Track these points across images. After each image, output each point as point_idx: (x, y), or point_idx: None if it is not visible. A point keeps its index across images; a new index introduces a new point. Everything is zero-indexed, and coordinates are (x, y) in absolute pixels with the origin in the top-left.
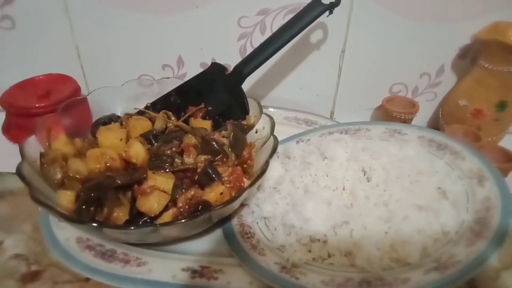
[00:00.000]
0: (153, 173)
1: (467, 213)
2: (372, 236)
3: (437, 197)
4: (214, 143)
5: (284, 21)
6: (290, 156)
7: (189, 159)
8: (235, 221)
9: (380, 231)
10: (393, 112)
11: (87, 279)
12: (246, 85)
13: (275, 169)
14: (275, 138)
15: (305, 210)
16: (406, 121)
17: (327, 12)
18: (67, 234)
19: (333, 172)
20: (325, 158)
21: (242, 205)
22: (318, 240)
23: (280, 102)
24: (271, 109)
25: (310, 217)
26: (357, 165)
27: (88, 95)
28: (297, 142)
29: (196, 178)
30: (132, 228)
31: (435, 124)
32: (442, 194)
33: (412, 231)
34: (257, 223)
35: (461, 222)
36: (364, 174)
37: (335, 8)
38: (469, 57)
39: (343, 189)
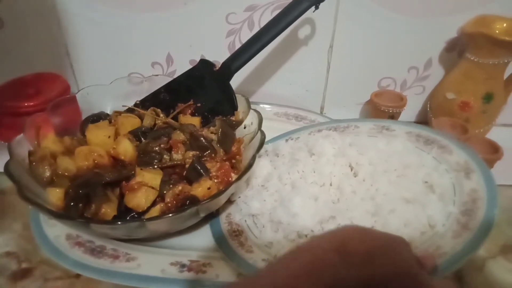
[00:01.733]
0: (141, 169)
1: (454, 205)
2: None
3: (424, 190)
4: (202, 139)
5: (272, 17)
6: (279, 154)
7: (177, 155)
8: (223, 220)
9: (367, 224)
10: (381, 106)
11: (78, 275)
12: (236, 82)
13: (263, 166)
14: (263, 133)
15: (292, 206)
16: (395, 115)
17: (313, 8)
18: (57, 231)
19: (320, 168)
20: (312, 154)
21: (230, 202)
22: (306, 235)
23: (270, 98)
24: (261, 105)
25: (297, 212)
26: (344, 160)
27: (77, 93)
28: (286, 140)
29: (184, 173)
30: (119, 223)
31: (423, 118)
32: (429, 188)
33: (399, 224)
34: (245, 221)
35: (448, 214)
36: (351, 170)
37: (321, 4)
38: (456, 50)
39: (330, 184)
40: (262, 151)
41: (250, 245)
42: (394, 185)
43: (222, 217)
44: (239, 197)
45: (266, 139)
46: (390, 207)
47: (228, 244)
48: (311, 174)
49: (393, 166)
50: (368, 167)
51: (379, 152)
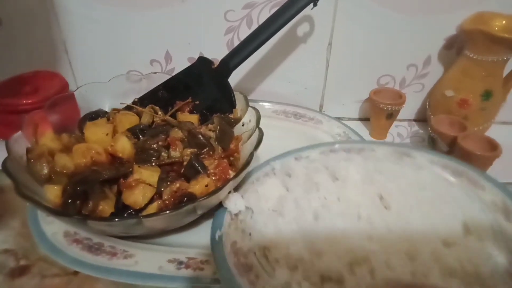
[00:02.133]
0: (139, 166)
1: (500, 253)
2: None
3: (462, 231)
4: (200, 136)
5: (270, 14)
6: (291, 174)
7: (175, 153)
8: (228, 249)
9: (406, 271)
10: (380, 104)
11: (75, 272)
12: (235, 79)
13: (274, 187)
14: (261, 130)
15: (317, 241)
16: (393, 112)
17: (311, 5)
18: (55, 228)
19: (346, 196)
20: (336, 179)
21: (236, 229)
22: (331, 278)
23: (269, 95)
24: (260, 103)
25: (323, 249)
26: (373, 189)
27: (75, 91)
28: (296, 158)
29: (182, 171)
30: (116, 220)
31: (422, 115)
32: (466, 229)
33: (443, 273)
34: (254, 253)
35: (494, 264)
36: (381, 200)
37: (320, 1)
38: (455, 47)
39: (359, 216)
40: (268, 169)
41: (263, 286)
42: (430, 222)
43: (226, 245)
44: (245, 220)
45: (269, 154)
46: (429, 249)
47: (237, 283)
48: (336, 203)
49: (425, 199)
50: (399, 198)
51: (409, 181)
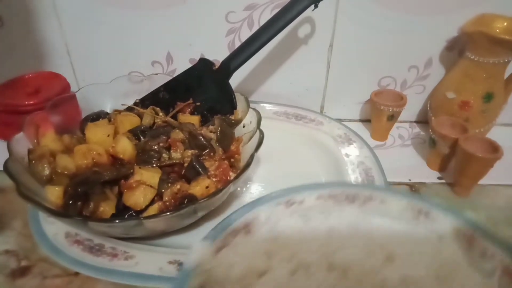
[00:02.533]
0: (140, 168)
1: None
2: None
3: None
4: (201, 137)
5: (272, 16)
6: (278, 238)
7: (176, 154)
8: None
9: None
10: (381, 105)
11: (76, 273)
12: (236, 81)
13: (250, 255)
14: (261, 132)
15: None
16: (395, 114)
17: (312, 6)
18: (56, 229)
19: None
20: (332, 269)
21: None
22: None
23: (270, 97)
24: (261, 104)
25: None
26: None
27: (76, 92)
28: (288, 203)
29: (182, 172)
30: (116, 221)
31: (424, 117)
32: None
33: None
34: None
35: None
36: None
37: (321, 2)
38: (457, 49)
39: None
40: (250, 217)
41: None
42: None
43: None
44: None
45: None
46: None
47: None
48: None
49: None
50: None
51: (428, 266)
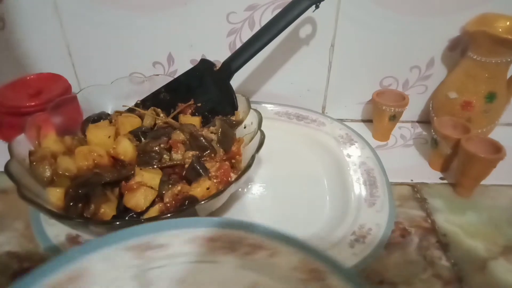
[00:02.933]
0: (140, 169)
1: None
2: None
3: None
4: (202, 138)
5: (273, 16)
6: None
7: (177, 155)
8: None
9: None
10: (383, 106)
11: None
12: (237, 81)
13: None
14: (262, 133)
15: None
16: (396, 114)
17: (313, 7)
18: (57, 230)
19: None
20: None
21: None
22: None
23: (272, 97)
24: (263, 105)
25: None
26: None
27: (78, 93)
28: (140, 249)
29: (183, 173)
30: (117, 223)
31: (425, 117)
32: None
33: None
34: None
35: None
36: None
37: (322, 3)
38: (459, 49)
39: None
40: (78, 268)
41: None
42: None
43: None
44: None
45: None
46: None
47: None
48: None
49: None
50: None
51: None
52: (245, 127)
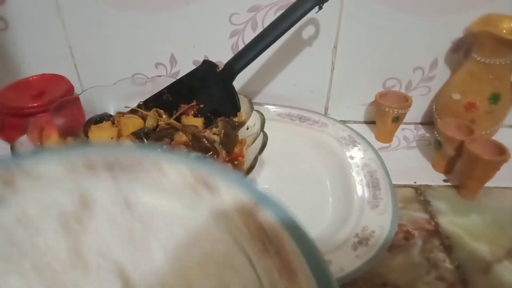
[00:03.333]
0: None
1: None
2: None
3: None
4: (204, 140)
5: (275, 18)
6: None
7: None
8: None
9: None
10: (386, 107)
11: None
12: (240, 82)
13: None
14: (265, 134)
15: None
16: (400, 115)
17: (316, 8)
18: None
19: None
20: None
21: None
22: None
23: (274, 98)
24: (265, 106)
25: None
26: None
27: (80, 94)
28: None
29: None
30: None
31: (429, 119)
32: None
33: None
34: None
35: None
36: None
37: (325, 4)
38: (463, 50)
39: None
40: None
41: None
42: None
43: None
44: None
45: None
46: None
47: None
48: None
49: None
50: None
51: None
52: (247, 129)
